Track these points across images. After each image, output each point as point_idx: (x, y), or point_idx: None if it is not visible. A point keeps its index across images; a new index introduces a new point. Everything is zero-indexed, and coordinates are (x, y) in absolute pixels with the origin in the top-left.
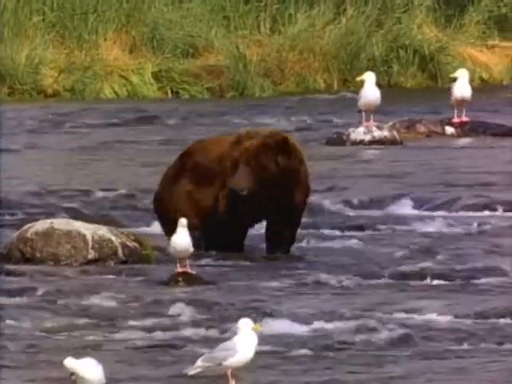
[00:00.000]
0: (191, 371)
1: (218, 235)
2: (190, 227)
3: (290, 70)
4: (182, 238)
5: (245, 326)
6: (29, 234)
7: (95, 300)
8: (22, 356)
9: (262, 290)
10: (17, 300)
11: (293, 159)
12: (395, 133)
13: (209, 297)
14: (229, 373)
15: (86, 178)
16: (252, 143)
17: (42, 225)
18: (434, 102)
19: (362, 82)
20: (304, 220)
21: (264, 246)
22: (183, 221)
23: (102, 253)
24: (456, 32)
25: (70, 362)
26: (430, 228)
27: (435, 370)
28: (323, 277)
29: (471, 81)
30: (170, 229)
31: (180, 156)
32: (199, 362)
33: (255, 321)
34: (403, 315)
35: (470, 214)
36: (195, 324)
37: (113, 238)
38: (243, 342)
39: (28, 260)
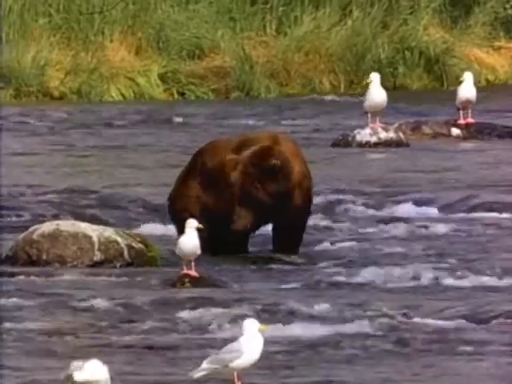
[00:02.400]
0: (196, 373)
1: (224, 237)
2: (198, 228)
3: (295, 71)
4: (189, 240)
5: (250, 326)
6: (35, 236)
7: (101, 302)
8: (27, 357)
9: (269, 292)
10: (22, 302)
11: (281, 177)
12: (401, 134)
13: (215, 298)
14: (235, 375)
15: (91, 180)
16: (236, 176)
17: (47, 227)
18: (440, 104)
19: (367, 85)
20: (310, 221)
21: (271, 247)
22: (192, 222)
23: (108, 254)
24: (462, 33)
25: (76, 366)
26: (436, 229)
27: (437, 372)
28: (329, 278)
29: (477, 82)
30: (181, 229)
31: (193, 156)
32: (204, 365)
33: (261, 322)
34: (406, 316)
35: (476, 215)
36: (201, 326)
37: (119, 240)
38: (249, 343)
39: (34, 262)
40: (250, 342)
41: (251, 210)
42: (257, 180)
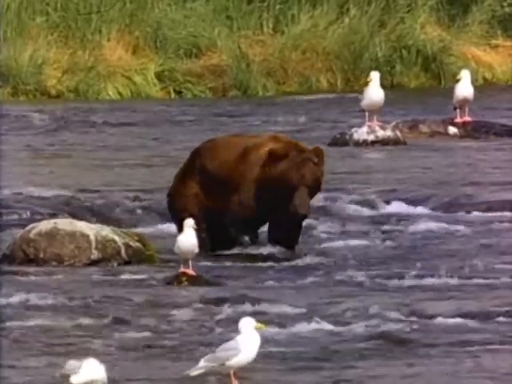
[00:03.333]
0: (194, 372)
1: (224, 237)
2: (197, 228)
3: (293, 69)
4: (187, 239)
5: (247, 324)
6: (32, 235)
7: (98, 300)
8: (24, 356)
9: (266, 290)
10: (20, 300)
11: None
12: (398, 133)
13: (212, 297)
14: (231, 373)
15: (89, 179)
16: (287, 164)
17: (45, 225)
18: (437, 102)
19: (367, 83)
20: (307, 220)
21: (268, 246)
22: (190, 221)
23: (105, 253)
24: (459, 32)
25: (71, 364)
26: (434, 228)
27: (435, 371)
28: (325, 277)
29: (475, 81)
30: (181, 228)
31: (191, 154)
32: (202, 363)
33: (258, 320)
34: (403, 315)
35: (473, 213)
36: (198, 324)
37: (116, 239)
38: (246, 342)
39: (31, 261)
40: (247, 340)
41: (309, 196)
42: (318, 165)
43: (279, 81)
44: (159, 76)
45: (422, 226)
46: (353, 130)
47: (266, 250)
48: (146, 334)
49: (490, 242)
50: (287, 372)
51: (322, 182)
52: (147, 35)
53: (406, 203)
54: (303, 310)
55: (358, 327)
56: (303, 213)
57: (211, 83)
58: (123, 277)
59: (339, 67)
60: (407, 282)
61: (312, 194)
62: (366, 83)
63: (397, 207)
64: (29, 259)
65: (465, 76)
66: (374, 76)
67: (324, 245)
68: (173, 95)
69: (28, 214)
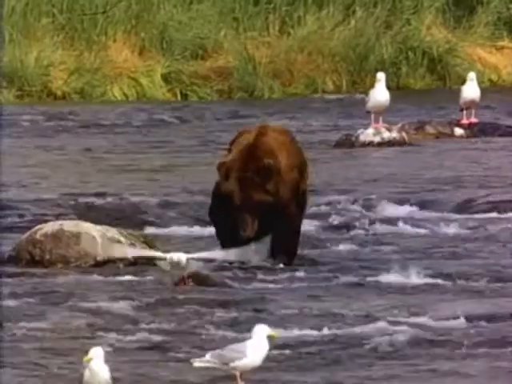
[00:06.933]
0: (198, 363)
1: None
2: None
3: (298, 71)
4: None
5: (260, 332)
6: (38, 236)
7: (104, 301)
8: (28, 357)
9: (270, 292)
10: (25, 302)
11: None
12: (404, 134)
13: (217, 298)
14: (238, 374)
15: (95, 180)
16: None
17: (51, 227)
18: (443, 104)
19: (373, 84)
20: (310, 222)
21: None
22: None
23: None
24: (465, 33)
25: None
26: (439, 229)
27: (435, 373)
28: (328, 278)
29: (480, 82)
30: None
31: None
32: (208, 357)
33: (263, 322)
34: (403, 317)
35: (479, 215)
36: (203, 325)
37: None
38: (254, 348)
39: (37, 262)
40: (256, 346)
41: (251, 217)
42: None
43: (285, 82)
44: (165, 78)
45: (428, 227)
46: (359, 131)
47: (272, 251)
48: (152, 334)
49: (493, 244)
50: (286, 373)
51: (269, 199)
52: (153, 37)
53: (412, 205)
54: (305, 312)
55: (358, 329)
56: (246, 235)
57: (217, 85)
58: (129, 278)
59: (345, 69)
60: (411, 284)
61: (257, 215)
62: (372, 84)
63: (403, 209)
64: (34, 260)
65: (472, 78)
66: (381, 77)
67: (328, 247)
68: (179, 97)
69: (34, 215)
